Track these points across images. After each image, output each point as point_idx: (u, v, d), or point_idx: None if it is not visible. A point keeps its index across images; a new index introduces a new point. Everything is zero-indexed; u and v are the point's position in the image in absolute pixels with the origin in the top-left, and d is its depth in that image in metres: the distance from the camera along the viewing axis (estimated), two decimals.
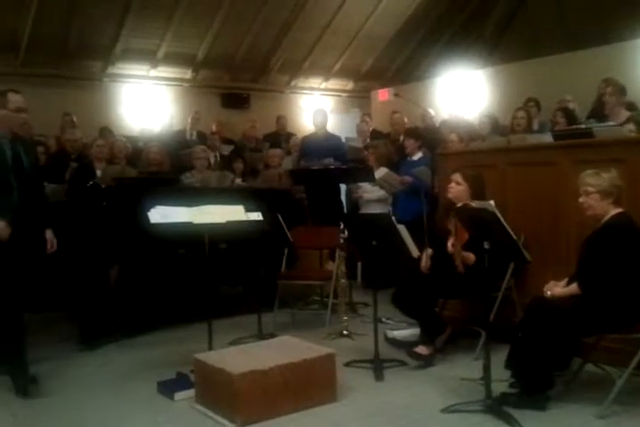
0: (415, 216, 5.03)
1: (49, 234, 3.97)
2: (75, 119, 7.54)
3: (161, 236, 3.83)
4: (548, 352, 3.11)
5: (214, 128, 8.64)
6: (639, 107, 5.69)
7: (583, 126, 4.42)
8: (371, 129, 8.28)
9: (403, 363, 3.94)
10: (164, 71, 9.57)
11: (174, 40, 9.13)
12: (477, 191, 4.06)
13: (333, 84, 11.28)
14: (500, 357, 3.36)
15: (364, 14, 10.04)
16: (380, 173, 5.99)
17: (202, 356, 3.45)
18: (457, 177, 4.14)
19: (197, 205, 3.82)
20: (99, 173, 5.32)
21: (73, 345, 4.56)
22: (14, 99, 3.74)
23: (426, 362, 3.90)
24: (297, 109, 10.72)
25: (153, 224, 3.62)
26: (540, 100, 6.70)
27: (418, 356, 3.89)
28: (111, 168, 5.43)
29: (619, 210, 3.23)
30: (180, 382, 3.61)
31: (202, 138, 8.05)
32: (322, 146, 6.80)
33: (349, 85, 11.48)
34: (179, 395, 3.50)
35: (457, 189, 4.11)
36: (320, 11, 9.63)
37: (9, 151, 3.70)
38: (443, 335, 4.08)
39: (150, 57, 9.28)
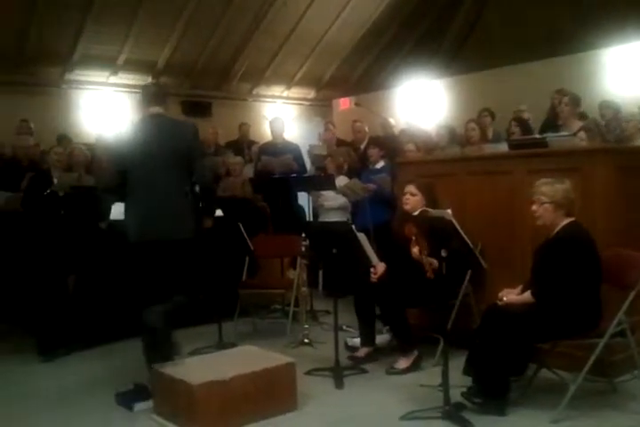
0: (378, 223, 5.08)
1: None
2: (32, 126, 7.40)
3: (119, 234, 3.83)
4: (505, 358, 3.17)
5: None
6: (590, 117, 5.85)
7: (538, 136, 4.53)
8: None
9: (363, 370, 3.97)
10: (125, 78, 9.47)
11: (135, 46, 9.06)
12: (431, 199, 4.18)
13: (295, 92, 11.32)
14: (459, 363, 3.41)
15: (326, 23, 10.12)
16: (343, 180, 6.03)
17: (161, 366, 3.41)
18: (411, 188, 4.22)
19: None
20: (56, 181, 5.23)
21: (29, 357, 4.47)
22: None
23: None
24: (259, 118, 10.72)
25: (112, 221, 3.66)
26: (495, 109, 6.83)
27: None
28: (68, 176, 5.34)
29: (570, 219, 3.31)
30: (140, 393, 3.56)
31: None
32: (279, 154, 6.85)
33: (311, 94, 11.54)
34: (138, 406, 3.46)
35: (413, 199, 4.20)
36: (282, 19, 9.68)
37: None
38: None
39: (110, 63, 9.18)
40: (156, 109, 3.79)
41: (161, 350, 3.53)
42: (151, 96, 3.84)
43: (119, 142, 3.82)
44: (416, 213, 4.14)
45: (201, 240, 3.71)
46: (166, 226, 3.61)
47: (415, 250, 3.92)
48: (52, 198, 4.97)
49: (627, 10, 8.07)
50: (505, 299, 3.37)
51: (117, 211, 3.78)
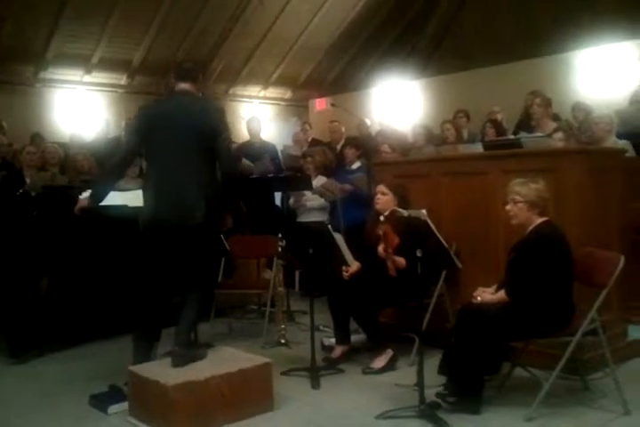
0: (354, 224, 5.09)
1: None
2: (5, 125, 7.30)
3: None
4: (479, 357, 3.19)
5: None
6: (563, 118, 5.94)
7: (512, 137, 4.57)
8: (310, 138, 8.32)
9: (339, 370, 3.97)
10: (99, 77, 9.39)
11: (109, 45, 8.98)
12: (403, 199, 4.22)
13: (272, 92, 11.31)
14: (434, 362, 3.43)
15: (303, 24, 10.13)
16: (321, 180, 6.03)
17: (136, 368, 3.38)
18: (382, 188, 4.26)
19: None
20: (28, 180, 5.17)
21: (0, 359, 4.40)
22: None
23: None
24: (236, 117, 10.67)
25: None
26: (471, 110, 6.90)
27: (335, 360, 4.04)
28: (41, 175, 5.28)
29: (544, 219, 3.34)
30: (114, 395, 3.53)
31: None
32: (256, 154, 6.83)
33: (288, 94, 11.53)
34: (112, 408, 3.42)
35: (383, 199, 4.24)
36: (259, 19, 9.66)
37: None
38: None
39: (84, 62, 9.09)
40: (187, 86, 3.56)
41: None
42: (183, 71, 3.61)
43: (141, 117, 3.61)
44: (386, 213, 4.17)
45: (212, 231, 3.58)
46: (178, 212, 3.41)
47: (380, 248, 3.94)
48: (25, 198, 4.90)
49: (602, 13, 8.20)
50: (479, 298, 3.40)
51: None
